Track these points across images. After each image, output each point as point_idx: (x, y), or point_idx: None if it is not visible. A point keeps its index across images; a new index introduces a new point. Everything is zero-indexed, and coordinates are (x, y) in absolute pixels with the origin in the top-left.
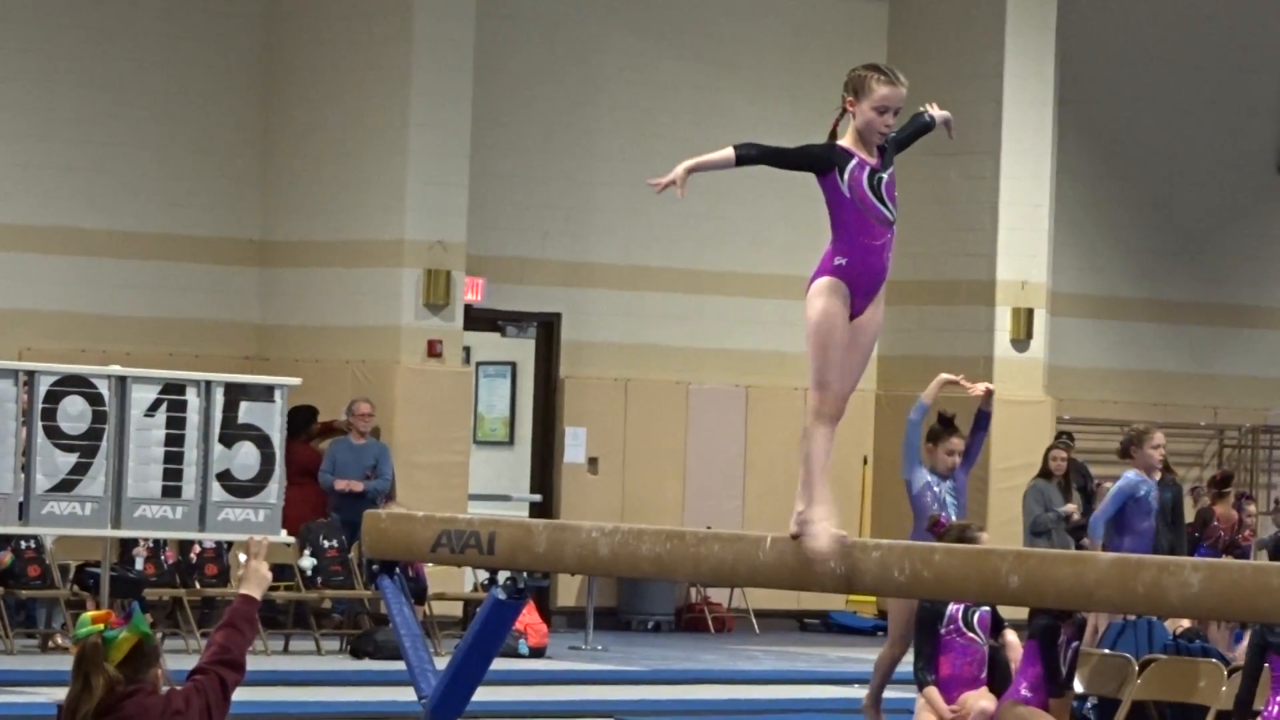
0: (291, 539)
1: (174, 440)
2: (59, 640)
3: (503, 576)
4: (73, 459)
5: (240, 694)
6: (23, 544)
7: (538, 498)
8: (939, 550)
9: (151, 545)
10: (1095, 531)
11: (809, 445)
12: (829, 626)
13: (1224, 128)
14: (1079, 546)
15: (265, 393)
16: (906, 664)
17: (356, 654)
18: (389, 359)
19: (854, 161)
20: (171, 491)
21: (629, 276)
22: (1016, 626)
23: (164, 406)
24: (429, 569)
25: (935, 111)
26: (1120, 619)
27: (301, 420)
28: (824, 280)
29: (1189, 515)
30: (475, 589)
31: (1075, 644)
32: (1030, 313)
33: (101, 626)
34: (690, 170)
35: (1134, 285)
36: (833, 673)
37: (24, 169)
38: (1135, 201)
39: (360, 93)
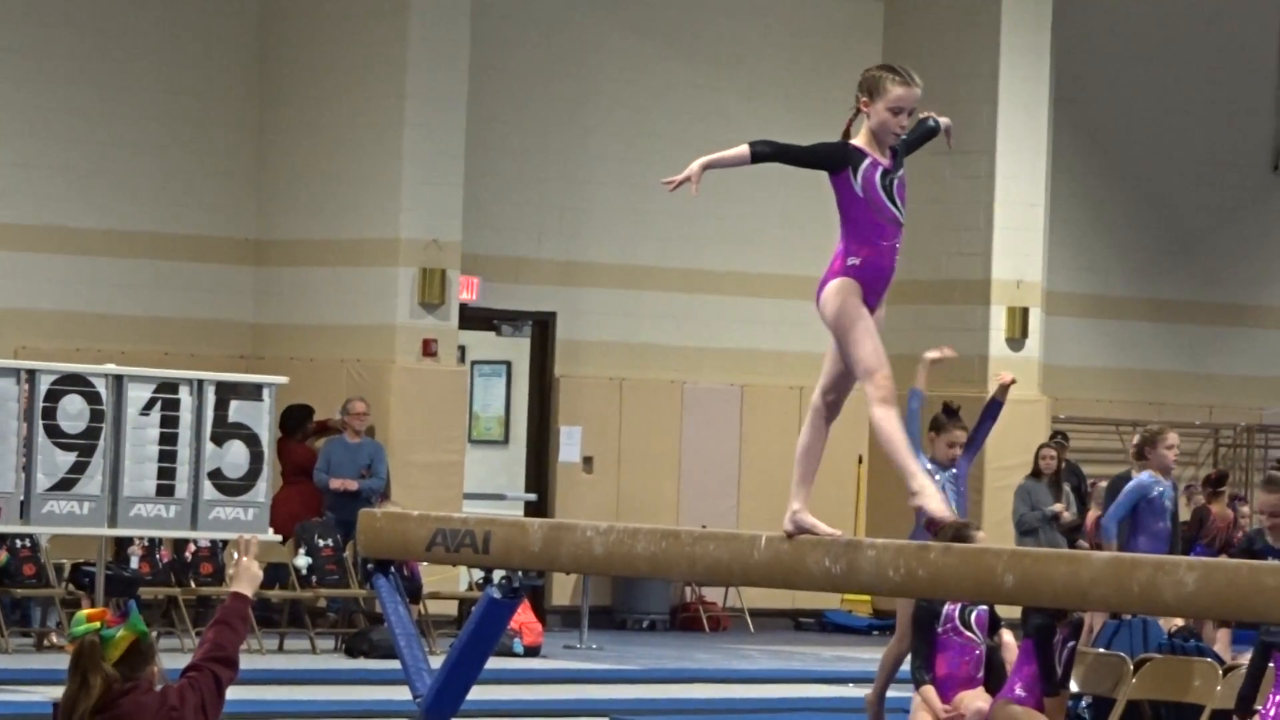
0: (278, 537)
1: (168, 439)
2: (54, 639)
3: (498, 575)
4: (72, 458)
5: (235, 692)
6: (18, 543)
7: (533, 497)
8: (934, 549)
9: (147, 544)
10: (1109, 533)
11: (885, 431)
12: (824, 626)
13: (1219, 127)
14: (1073, 546)
15: (254, 391)
16: (905, 664)
17: (351, 653)
18: (384, 358)
19: (868, 161)
20: (165, 490)
21: (624, 276)
22: (1011, 626)
23: (158, 405)
24: (424, 568)
25: (938, 118)
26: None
27: (297, 419)
28: (838, 281)
29: (1184, 514)
30: (470, 588)
31: (1071, 644)
32: (1025, 312)
33: (98, 625)
34: (705, 167)
35: (1129, 284)
36: (827, 672)
37: (19, 168)
38: (1131, 201)
39: (356, 92)
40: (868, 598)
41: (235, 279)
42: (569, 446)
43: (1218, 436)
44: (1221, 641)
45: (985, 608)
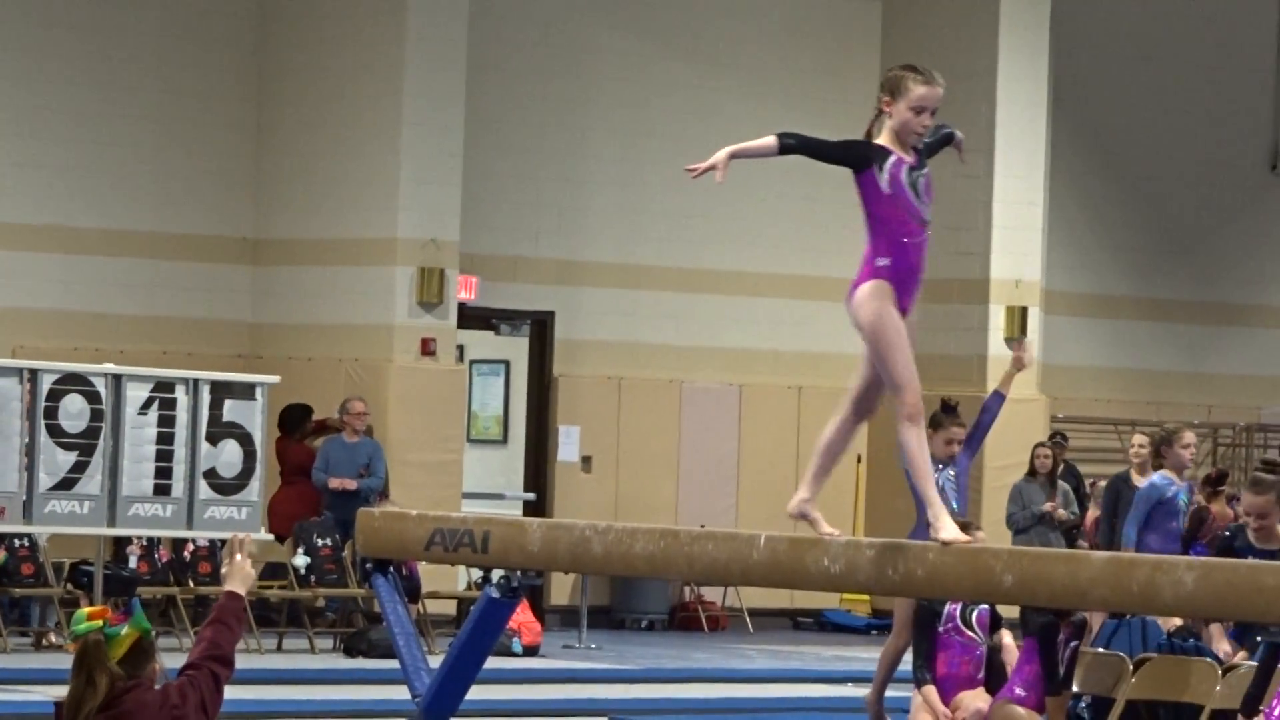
0: (270, 536)
1: (164, 438)
2: (53, 638)
3: (496, 575)
4: (73, 457)
5: (234, 692)
6: (16, 542)
7: (531, 496)
8: (933, 549)
9: (145, 544)
10: (1128, 539)
11: (908, 451)
12: (822, 625)
13: (1218, 126)
14: (1072, 546)
15: (247, 390)
16: (906, 661)
17: (350, 652)
18: (382, 357)
19: (893, 158)
20: (162, 490)
21: (622, 275)
22: (1010, 626)
23: (155, 405)
24: (422, 567)
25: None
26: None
27: (295, 418)
28: (870, 284)
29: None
30: (469, 587)
31: (1074, 644)
32: (1024, 311)
33: (100, 623)
34: (732, 156)
35: (1128, 284)
36: (826, 671)
37: (17, 168)
38: (1129, 200)
39: (354, 91)
40: (866, 597)
41: (233, 278)
42: (567, 446)
43: (1216, 436)
44: (1216, 635)
45: (987, 607)
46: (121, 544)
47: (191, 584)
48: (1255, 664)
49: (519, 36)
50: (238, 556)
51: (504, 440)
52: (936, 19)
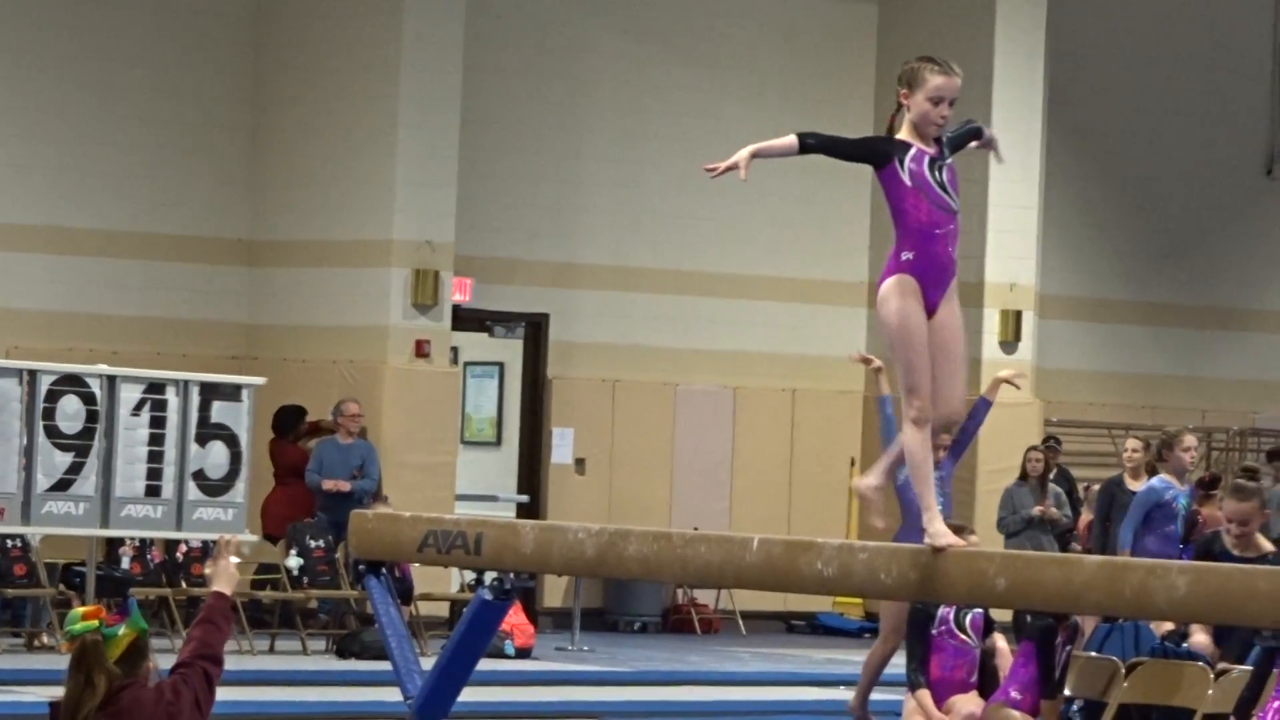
0: (254, 537)
1: (156, 440)
2: (45, 639)
3: (489, 577)
4: (69, 458)
5: (226, 693)
6: (9, 543)
7: (525, 498)
8: (926, 552)
9: (138, 545)
10: (1124, 542)
11: (911, 453)
12: (815, 628)
13: (1212, 130)
14: (1065, 550)
15: (234, 392)
16: (895, 665)
17: (342, 654)
18: (377, 359)
19: (913, 150)
20: (153, 491)
21: (617, 277)
22: (1003, 629)
23: (147, 406)
24: (415, 569)
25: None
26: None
27: (289, 420)
28: (893, 279)
29: None
30: (462, 589)
31: (1068, 647)
32: (1019, 315)
33: (94, 623)
34: (754, 155)
35: (1122, 288)
36: (819, 675)
37: (12, 169)
38: (1124, 204)
39: (349, 93)
40: (860, 601)
41: (228, 280)
42: (561, 448)
43: (1210, 440)
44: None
45: (981, 611)
46: (114, 545)
47: (184, 585)
48: (1247, 668)
49: (515, 38)
50: (223, 558)
51: (498, 442)
52: (932, 22)
